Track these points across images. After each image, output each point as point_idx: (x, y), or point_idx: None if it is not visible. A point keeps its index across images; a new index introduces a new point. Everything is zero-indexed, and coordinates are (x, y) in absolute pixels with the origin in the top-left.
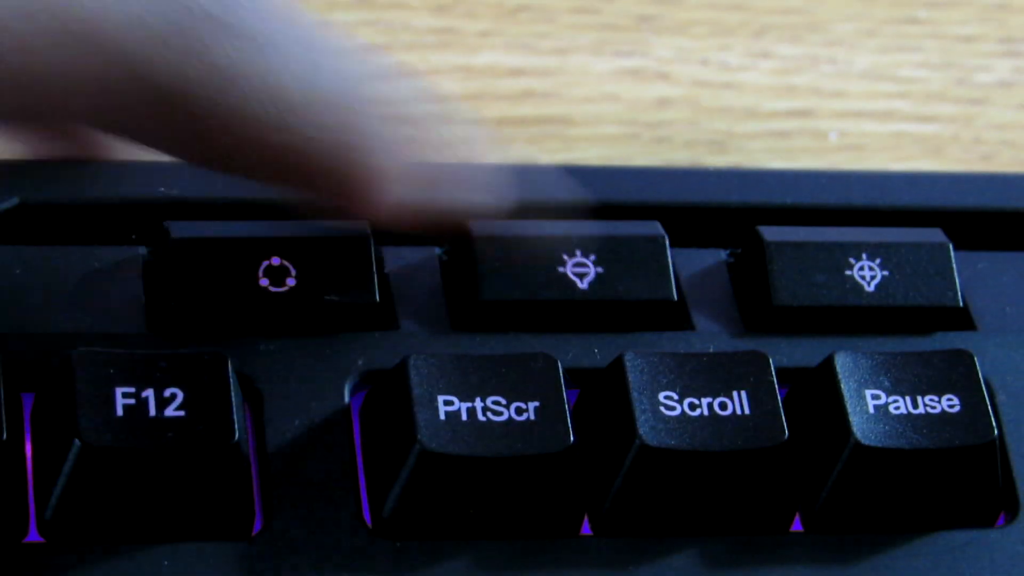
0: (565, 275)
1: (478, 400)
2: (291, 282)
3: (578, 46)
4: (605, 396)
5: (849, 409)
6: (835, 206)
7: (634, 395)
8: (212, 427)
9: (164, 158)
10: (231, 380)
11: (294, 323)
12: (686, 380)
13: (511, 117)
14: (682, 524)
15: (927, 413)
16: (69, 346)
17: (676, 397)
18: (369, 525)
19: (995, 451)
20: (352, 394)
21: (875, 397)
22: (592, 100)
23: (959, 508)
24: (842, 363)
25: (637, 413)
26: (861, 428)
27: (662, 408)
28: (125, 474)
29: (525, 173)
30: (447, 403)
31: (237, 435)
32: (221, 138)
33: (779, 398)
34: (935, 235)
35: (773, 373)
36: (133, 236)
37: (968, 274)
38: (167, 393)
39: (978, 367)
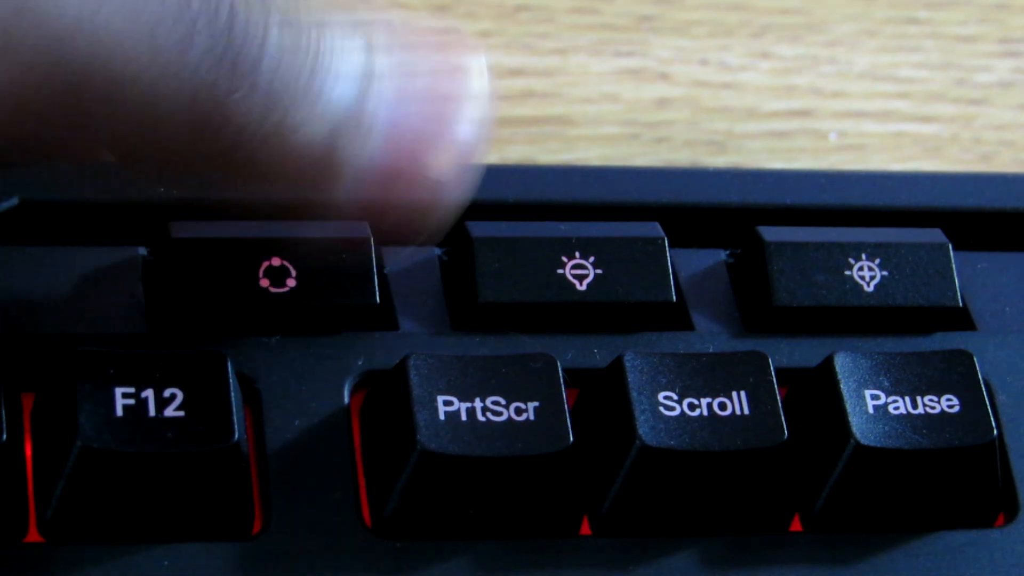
0: (564, 277)
1: (477, 400)
2: (291, 283)
3: (578, 46)
4: (604, 396)
5: (849, 409)
6: (835, 206)
7: (633, 395)
8: (212, 427)
9: None
10: (231, 380)
11: (294, 323)
12: (686, 380)
13: (511, 117)
14: (682, 524)
15: (927, 413)
16: (69, 346)
17: (676, 397)
18: (369, 525)
19: (995, 451)
20: (352, 394)
21: (875, 397)
22: (592, 100)
23: (959, 508)
24: (841, 363)
25: (637, 413)
26: (861, 428)
27: (661, 408)
28: (125, 474)
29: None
30: (447, 403)
31: (237, 435)
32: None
33: (779, 398)
34: (935, 235)
35: (773, 373)
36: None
37: (968, 274)
38: (167, 393)
39: (978, 367)
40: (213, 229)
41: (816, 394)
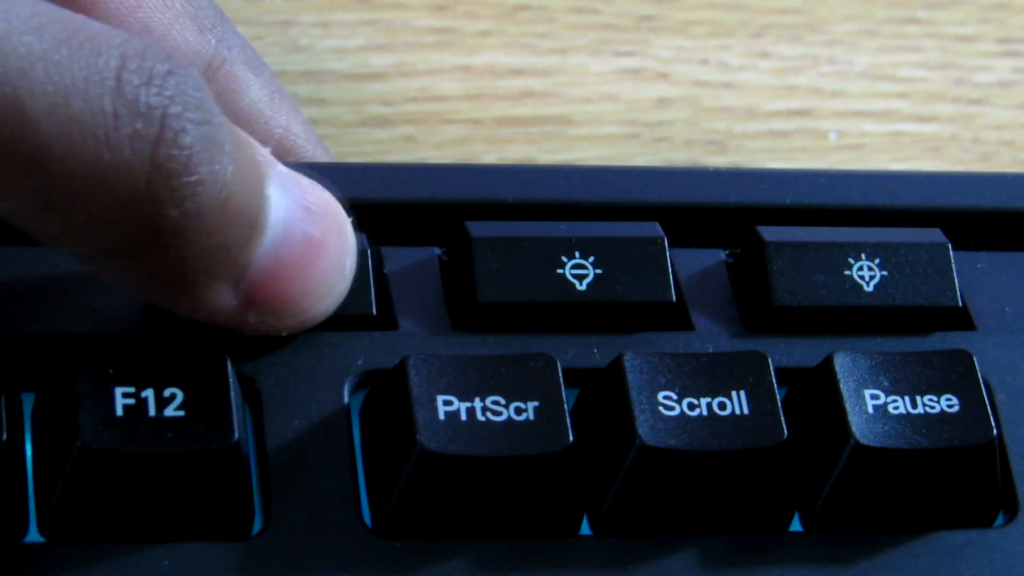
0: (564, 277)
1: (477, 400)
2: None
3: (578, 46)
4: (604, 396)
5: (848, 409)
6: (835, 206)
7: (633, 395)
8: (212, 427)
9: None
10: (231, 380)
11: None
12: (685, 380)
13: (511, 117)
14: (682, 524)
15: (926, 413)
16: (69, 346)
17: (675, 397)
18: (369, 525)
19: (994, 451)
20: (352, 394)
21: (874, 397)
22: (592, 100)
23: (959, 508)
24: (841, 363)
25: (636, 413)
26: (860, 428)
27: (661, 408)
28: (125, 474)
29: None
30: (446, 403)
31: (237, 435)
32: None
33: (778, 398)
34: (935, 235)
35: (772, 373)
36: None
37: (968, 274)
38: (167, 393)
39: (977, 367)
40: None
41: (816, 394)
